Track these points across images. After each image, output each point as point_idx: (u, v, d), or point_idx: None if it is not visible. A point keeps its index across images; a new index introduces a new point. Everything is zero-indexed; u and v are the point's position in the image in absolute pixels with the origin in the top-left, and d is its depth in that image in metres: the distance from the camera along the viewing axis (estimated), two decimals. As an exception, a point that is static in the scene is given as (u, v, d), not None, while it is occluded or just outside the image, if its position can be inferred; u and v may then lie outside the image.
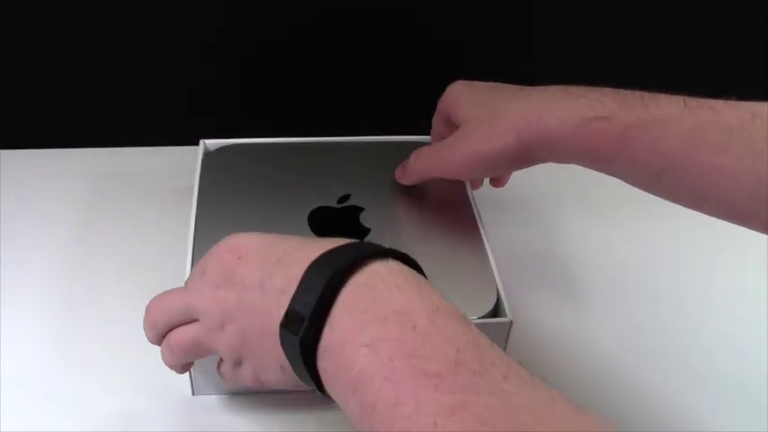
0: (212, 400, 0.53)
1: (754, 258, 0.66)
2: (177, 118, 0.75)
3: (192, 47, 0.72)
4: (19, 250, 0.63)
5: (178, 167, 0.65)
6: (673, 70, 0.75)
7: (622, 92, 0.47)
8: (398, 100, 0.76)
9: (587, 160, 0.48)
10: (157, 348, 0.45)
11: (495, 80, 0.54)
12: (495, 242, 0.55)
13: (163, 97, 0.74)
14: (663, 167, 0.45)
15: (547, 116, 0.47)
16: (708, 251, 0.67)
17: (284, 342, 0.36)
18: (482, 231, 0.56)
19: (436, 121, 0.58)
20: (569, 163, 0.50)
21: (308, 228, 0.56)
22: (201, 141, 0.63)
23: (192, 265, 0.51)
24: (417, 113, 0.60)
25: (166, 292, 0.44)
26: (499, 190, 0.62)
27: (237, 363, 0.41)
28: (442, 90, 0.57)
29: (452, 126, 0.54)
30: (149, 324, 0.44)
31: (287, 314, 0.36)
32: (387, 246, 0.38)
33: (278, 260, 0.38)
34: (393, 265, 0.37)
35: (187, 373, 0.51)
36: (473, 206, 0.58)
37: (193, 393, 0.53)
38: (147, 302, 0.45)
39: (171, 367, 0.46)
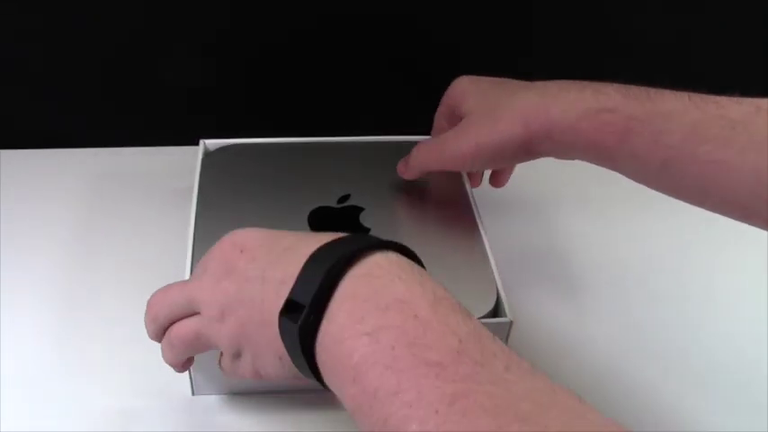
0: (212, 400, 0.53)
1: (754, 258, 0.66)
2: (177, 118, 0.75)
3: (192, 47, 0.72)
4: (19, 250, 0.64)
5: (178, 167, 0.65)
6: (673, 70, 0.74)
7: (629, 86, 0.47)
8: (398, 100, 0.76)
9: (589, 153, 0.48)
10: (157, 348, 0.45)
11: (496, 80, 0.55)
12: (494, 242, 0.55)
13: (163, 97, 0.74)
14: (664, 160, 0.45)
15: (552, 107, 0.48)
16: (708, 251, 0.67)
17: (283, 331, 0.36)
18: (482, 231, 0.56)
19: (439, 117, 0.58)
20: (571, 158, 0.50)
21: (307, 228, 0.56)
22: (201, 141, 0.63)
23: (192, 265, 0.51)
24: (417, 113, 0.60)
25: (168, 286, 0.44)
26: (499, 190, 0.62)
27: (237, 355, 0.41)
28: (442, 90, 0.57)
29: (456, 120, 0.54)
30: (151, 318, 0.44)
31: (286, 303, 0.36)
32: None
33: (284, 250, 0.38)
34: (394, 256, 0.37)
35: (187, 373, 0.51)
36: (473, 206, 0.58)
37: (193, 393, 0.53)
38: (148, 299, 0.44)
39: (171, 364, 0.45)
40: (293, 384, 0.49)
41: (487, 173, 0.62)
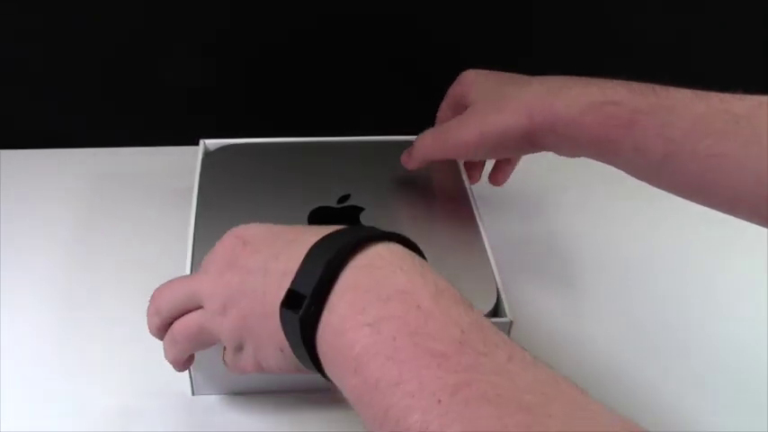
0: (212, 400, 0.53)
1: (754, 258, 0.66)
2: (177, 118, 0.75)
3: (192, 47, 0.72)
4: (19, 250, 0.64)
5: (178, 167, 0.65)
6: (673, 70, 0.74)
7: (634, 83, 0.48)
8: (398, 100, 0.76)
9: (593, 148, 0.48)
10: (157, 348, 0.45)
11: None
12: (494, 241, 0.55)
13: (163, 97, 0.74)
14: (666, 154, 0.45)
15: (557, 100, 0.48)
16: (708, 251, 0.67)
17: (284, 322, 0.36)
18: (482, 231, 0.56)
19: (444, 108, 0.59)
20: (575, 155, 0.50)
21: (307, 228, 0.56)
22: (201, 141, 0.63)
23: (192, 265, 0.51)
24: (417, 113, 0.60)
25: (172, 280, 0.44)
26: (499, 189, 0.62)
27: (239, 348, 0.41)
28: (442, 90, 0.58)
29: (461, 111, 0.54)
30: (153, 311, 0.44)
31: (287, 294, 0.36)
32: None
33: (287, 242, 0.39)
34: (395, 247, 0.37)
35: (187, 373, 0.51)
36: (473, 205, 0.58)
37: (193, 393, 0.53)
38: (148, 300, 0.44)
39: (172, 362, 0.45)
40: (294, 380, 0.49)
41: (487, 171, 0.62)
